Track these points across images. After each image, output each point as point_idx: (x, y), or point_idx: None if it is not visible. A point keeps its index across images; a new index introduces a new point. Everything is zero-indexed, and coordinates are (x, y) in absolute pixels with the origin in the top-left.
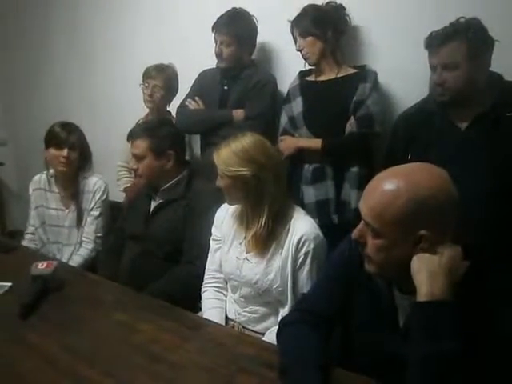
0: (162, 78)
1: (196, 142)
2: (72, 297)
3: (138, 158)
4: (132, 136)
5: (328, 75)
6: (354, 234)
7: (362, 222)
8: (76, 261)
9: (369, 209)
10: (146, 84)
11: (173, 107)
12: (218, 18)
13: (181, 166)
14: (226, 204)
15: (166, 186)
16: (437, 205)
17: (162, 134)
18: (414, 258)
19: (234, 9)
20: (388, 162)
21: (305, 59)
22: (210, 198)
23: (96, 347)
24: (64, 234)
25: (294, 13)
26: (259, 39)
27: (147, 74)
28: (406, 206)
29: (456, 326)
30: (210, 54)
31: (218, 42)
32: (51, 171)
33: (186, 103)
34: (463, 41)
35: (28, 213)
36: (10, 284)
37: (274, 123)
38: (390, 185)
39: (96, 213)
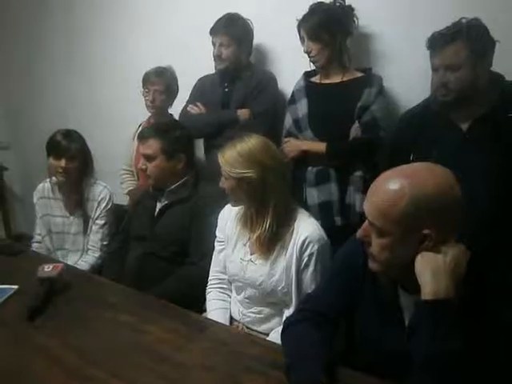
0: (162, 83)
1: (198, 144)
2: (78, 298)
3: (149, 158)
4: (144, 136)
5: (334, 78)
6: (359, 233)
7: (367, 221)
8: (82, 267)
9: (373, 208)
10: (147, 90)
11: (173, 110)
12: (216, 22)
13: (188, 167)
14: (228, 205)
15: (173, 186)
16: (441, 204)
17: (175, 136)
18: (418, 257)
19: (229, 13)
20: (391, 163)
21: (313, 62)
22: (216, 200)
23: (102, 348)
24: (69, 241)
25: (291, 16)
26: (256, 42)
27: (147, 80)
28: (410, 205)
29: (460, 325)
30: (208, 57)
31: (217, 44)
32: (54, 179)
33: (188, 109)
34: (465, 41)
35: (33, 218)
36: (16, 287)
37: (278, 123)
38: (394, 184)
39: (101, 222)
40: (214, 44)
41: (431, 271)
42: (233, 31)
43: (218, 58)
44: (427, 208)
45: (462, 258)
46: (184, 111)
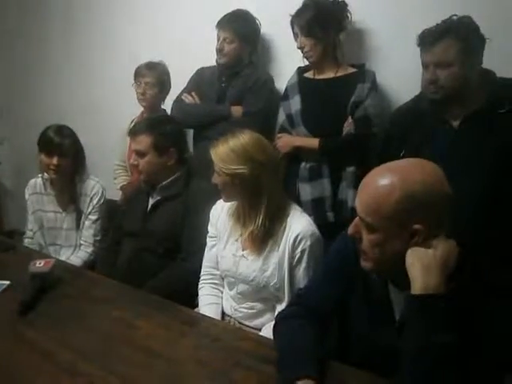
0: (153, 75)
1: (190, 139)
2: (70, 294)
3: (140, 153)
4: (135, 132)
5: (327, 74)
6: (350, 229)
7: (357, 217)
8: (75, 262)
9: (363, 204)
10: (138, 82)
11: (167, 106)
12: (223, 16)
13: (180, 163)
14: (220, 201)
15: (165, 182)
16: (430, 199)
17: (166, 131)
18: (409, 252)
19: (239, 9)
20: (382, 160)
21: (306, 58)
22: (208, 195)
23: (94, 343)
24: (62, 236)
25: (292, 8)
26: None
27: (138, 73)
28: (400, 201)
29: (450, 319)
30: (206, 55)
31: (221, 39)
32: (46, 174)
33: (182, 97)
34: (456, 39)
35: (25, 214)
36: (8, 282)
37: (271, 121)
38: (383, 180)
39: (94, 217)
40: (218, 37)
41: (421, 266)
42: (237, 28)
43: (219, 52)
44: (417, 203)
45: (451, 253)
46: (178, 99)
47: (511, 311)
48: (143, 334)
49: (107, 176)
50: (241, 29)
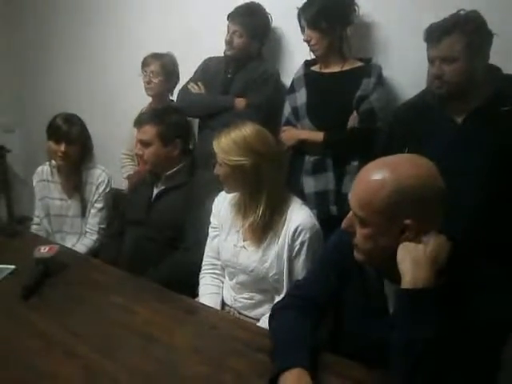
0: (158, 64)
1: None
2: (72, 279)
3: (145, 144)
4: (140, 122)
5: (333, 68)
6: (344, 223)
7: (351, 211)
8: (80, 249)
9: (356, 199)
10: (144, 72)
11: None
12: (236, 8)
13: (184, 153)
14: (223, 192)
15: (169, 172)
16: (422, 195)
17: (171, 122)
18: (400, 247)
19: (252, 2)
20: (385, 155)
21: (312, 51)
22: (210, 186)
23: (94, 328)
24: (67, 224)
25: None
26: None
27: (144, 62)
28: (392, 196)
29: (438, 313)
30: (217, 47)
31: (231, 31)
32: (53, 162)
33: (188, 86)
34: (463, 34)
35: (34, 201)
36: (13, 267)
37: (277, 114)
38: (376, 175)
39: (99, 205)
40: (228, 29)
41: (411, 260)
42: (248, 22)
43: (228, 43)
44: (408, 199)
45: (442, 248)
46: (184, 88)
47: (500, 306)
48: (142, 321)
49: (115, 165)
50: (251, 23)
